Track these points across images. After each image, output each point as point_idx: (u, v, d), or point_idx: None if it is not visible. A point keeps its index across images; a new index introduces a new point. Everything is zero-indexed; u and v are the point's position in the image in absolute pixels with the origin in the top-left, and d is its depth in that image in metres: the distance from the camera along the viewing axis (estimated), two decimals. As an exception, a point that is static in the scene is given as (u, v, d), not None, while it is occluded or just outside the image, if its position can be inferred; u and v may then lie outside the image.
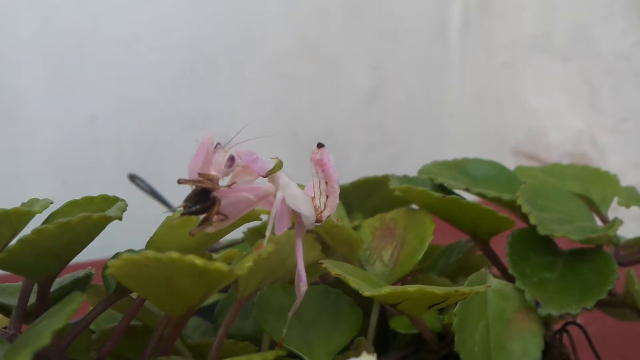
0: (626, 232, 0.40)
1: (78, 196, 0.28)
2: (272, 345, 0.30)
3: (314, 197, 0.26)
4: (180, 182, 0.23)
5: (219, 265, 0.22)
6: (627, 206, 0.38)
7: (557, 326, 0.36)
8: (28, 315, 0.28)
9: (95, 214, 0.24)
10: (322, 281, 0.36)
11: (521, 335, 0.32)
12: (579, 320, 0.36)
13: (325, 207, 0.26)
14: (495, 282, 0.33)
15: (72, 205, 0.28)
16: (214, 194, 0.24)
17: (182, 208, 0.23)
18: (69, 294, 0.24)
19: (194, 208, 0.23)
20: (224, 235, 0.28)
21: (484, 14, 0.93)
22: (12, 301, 0.29)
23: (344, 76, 0.88)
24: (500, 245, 0.37)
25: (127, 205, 0.27)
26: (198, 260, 0.21)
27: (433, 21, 0.93)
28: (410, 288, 0.25)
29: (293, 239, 0.27)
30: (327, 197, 0.26)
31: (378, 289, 0.25)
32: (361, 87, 0.90)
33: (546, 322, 0.34)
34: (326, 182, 0.26)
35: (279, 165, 0.25)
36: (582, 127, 0.81)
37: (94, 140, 0.75)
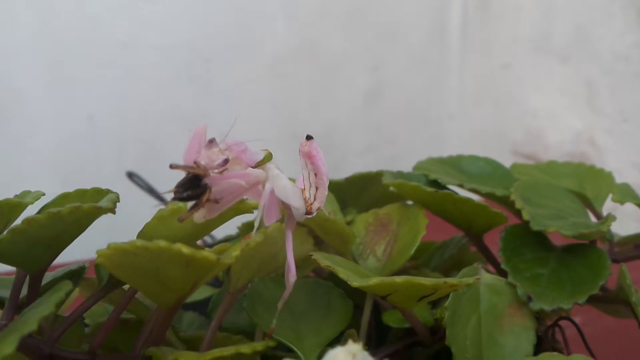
0: (627, 231, 0.40)
1: (77, 195, 0.29)
2: (264, 338, 0.30)
3: (304, 189, 0.26)
4: (172, 167, 0.23)
5: (207, 253, 0.22)
6: (622, 202, 0.38)
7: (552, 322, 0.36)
8: (20, 307, 0.28)
9: (85, 204, 0.24)
10: (316, 276, 0.36)
11: (513, 329, 0.32)
12: (576, 319, 0.36)
13: (315, 199, 0.26)
14: (487, 277, 0.33)
15: (64, 198, 0.28)
16: (205, 180, 0.24)
17: (173, 194, 0.23)
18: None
19: (185, 194, 0.23)
20: (215, 227, 0.28)
21: (483, 15, 0.93)
22: (5, 294, 0.29)
23: (343, 77, 0.88)
24: (495, 242, 0.37)
25: (119, 197, 0.27)
26: (185, 249, 0.21)
27: (432, 22, 0.93)
28: (398, 279, 0.25)
29: (284, 232, 0.27)
30: (316, 189, 0.26)
31: (366, 280, 0.25)
32: (360, 87, 0.90)
33: (539, 317, 0.34)
34: (315, 174, 0.26)
35: (268, 157, 0.25)
36: (581, 128, 0.81)
37: (92, 140, 0.76)
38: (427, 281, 0.25)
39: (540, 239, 0.36)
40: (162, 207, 0.28)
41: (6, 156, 0.73)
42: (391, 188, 0.38)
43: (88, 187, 0.30)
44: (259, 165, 0.25)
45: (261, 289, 0.29)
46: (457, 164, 0.41)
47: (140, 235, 0.27)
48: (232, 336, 0.32)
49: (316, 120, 0.88)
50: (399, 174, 0.37)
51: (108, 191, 0.28)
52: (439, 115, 0.97)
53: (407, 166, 0.40)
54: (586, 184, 0.42)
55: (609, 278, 0.34)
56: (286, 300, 0.27)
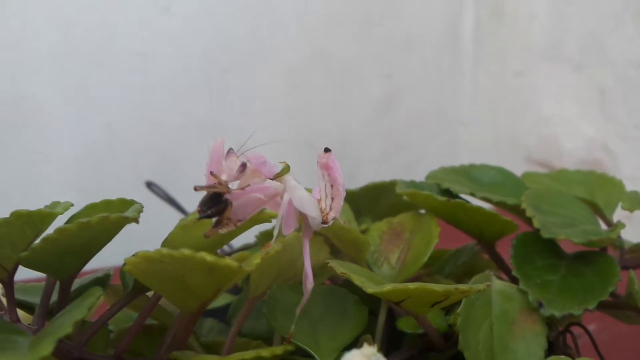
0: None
1: (95, 204, 0.30)
2: (283, 343, 0.31)
3: (320, 199, 0.27)
4: (196, 189, 0.25)
5: (229, 261, 0.23)
6: (631, 210, 0.39)
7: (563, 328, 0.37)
8: (50, 312, 0.29)
9: (113, 214, 0.25)
10: (332, 284, 0.37)
11: (525, 335, 0.33)
12: (592, 326, 0.36)
13: (330, 209, 0.27)
14: (499, 284, 0.34)
15: (91, 208, 0.29)
16: (226, 196, 0.25)
17: (197, 213, 0.25)
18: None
19: (208, 212, 0.25)
20: (236, 235, 0.29)
21: (496, 23, 0.93)
22: (35, 299, 0.30)
23: (357, 85, 0.89)
24: (507, 249, 0.38)
25: (143, 207, 0.28)
26: (209, 257, 0.23)
27: (445, 30, 0.94)
28: (412, 285, 0.26)
29: (301, 240, 0.28)
30: (332, 199, 0.27)
31: (380, 286, 0.26)
32: (374, 95, 0.91)
33: (551, 323, 0.34)
34: (332, 185, 0.27)
35: (286, 169, 0.26)
36: (594, 135, 0.81)
37: (111, 150, 0.77)
38: (438, 287, 0.26)
39: (551, 247, 0.37)
40: (182, 216, 0.29)
41: (26, 165, 0.74)
42: (405, 197, 0.39)
43: (106, 196, 0.31)
44: (277, 177, 0.26)
45: (279, 296, 0.30)
46: (468, 173, 0.42)
47: (165, 243, 0.28)
48: (251, 341, 0.33)
49: (330, 128, 0.89)
50: (412, 184, 0.38)
51: (133, 202, 0.29)
52: (453, 123, 0.98)
53: (421, 173, 0.41)
54: (597, 192, 0.42)
55: (619, 284, 0.34)
56: (304, 307, 0.28)
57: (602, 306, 0.35)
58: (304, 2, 0.84)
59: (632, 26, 0.74)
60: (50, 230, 0.26)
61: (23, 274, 0.31)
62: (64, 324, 0.21)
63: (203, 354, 0.31)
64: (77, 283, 0.30)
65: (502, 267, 0.39)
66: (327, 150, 0.27)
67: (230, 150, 0.26)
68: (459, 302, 0.32)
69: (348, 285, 0.32)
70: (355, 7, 0.87)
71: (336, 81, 0.88)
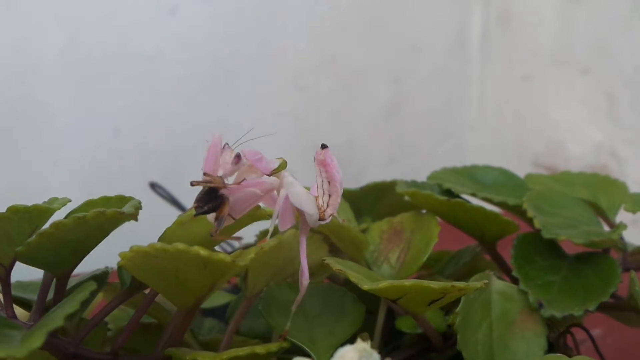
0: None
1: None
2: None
3: (318, 196, 0.27)
4: (192, 184, 0.25)
5: (223, 255, 0.23)
6: (634, 212, 0.39)
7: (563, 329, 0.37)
8: (47, 309, 0.29)
9: (109, 210, 0.25)
10: (331, 283, 0.37)
11: (525, 335, 0.33)
12: (597, 331, 0.36)
13: (328, 205, 0.27)
14: (499, 284, 0.34)
15: (89, 204, 0.30)
16: (222, 191, 0.25)
17: (194, 209, 0.25)
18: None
19: (205, 207, 0.25)
20: (234, 232, 0.29)
21: (504, 28, 0.93)
22: (33, 296, 0.30)
23: (364, 90, 0.89)
24: (508, 250, 0.37)
25: (140, 204, 0.28)
26: (203, 251, 0.23)
27: (453, 35, 0.94)
28: (407, 282, 0.26)
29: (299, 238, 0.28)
30: (329, 196, 0.27)
31: (376, 283, 0.26)
32: (381, 100, 0.91)
33: (551, 324, 0.34)
34: (329, 182, 0.27)
35: (283, 165, 0.26)
36: (602, 139, 0.81)
37: (118, 152, 0.77)
38: (435, 284, 0.26)
39: (552, 247, 0.37)
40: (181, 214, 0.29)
41: (34, 168, 0.75)
42: (406, 197, 0.39)
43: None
44: (274, 173, 0.26)
45: (277, 293, 0.30)
46: (471, 174, 0.42)
47: (161, 239, 0.28)
48: (249, 340, 0.33)
49: (337, 132, 0.89)
50: (413, 183, 0.38)
51: (131, 198, 0.30)
52: (460, 128, 0.98)
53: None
54: (600, 194, 0.42)
55: (621, 286, 0.34)
56: (300, 304, 0.28)
57: (604, 308, 0.35)
58: (312, 7, 0.84)
59: (640, 30, 0.74)
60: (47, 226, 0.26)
61: (23, 274, 0.31)
62: (55, 318, 0.22)
63: (200, 351, 0.31)
64: (74, 281, 0.30)
65: (503, 268, 0.39)
66: (324, 146, 0.27)
67: (226, 145, 0.26)
68: (458, 302, 0.32)
69: (347, 284, 0.32)
70: (363, 12, 0.87)
71: (344, 86, 0.88)
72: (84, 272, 0.31)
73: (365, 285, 0.26)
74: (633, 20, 0.74)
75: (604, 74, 0.79)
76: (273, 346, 0.26)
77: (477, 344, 0.32)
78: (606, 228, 0.40)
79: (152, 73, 0.77)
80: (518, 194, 0.40)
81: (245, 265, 0.24)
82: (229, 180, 0.25)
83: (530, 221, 0.37)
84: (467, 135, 0.98)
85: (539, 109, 0.90)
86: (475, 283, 0.27)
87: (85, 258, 0.29)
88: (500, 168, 0.43)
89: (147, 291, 0.30)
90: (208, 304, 0.38)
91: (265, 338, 0.33)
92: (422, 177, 0.41)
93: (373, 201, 0.41)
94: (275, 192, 0.26)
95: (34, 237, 0.25)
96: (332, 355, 0.26)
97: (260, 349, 0.26)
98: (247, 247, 0.41)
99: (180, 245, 0.23)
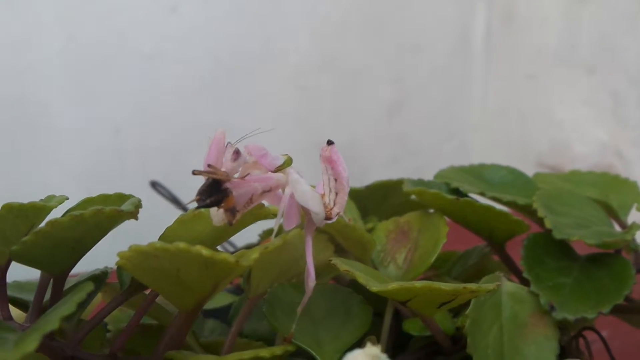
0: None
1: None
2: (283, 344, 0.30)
3: (324, 194, 0.26)
4: (194, 173, 0.24)
5: (226, 255, 0.22)
6: (645, 212, 0.38)
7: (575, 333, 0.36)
8: (44, 310, 0.28)
9: (108, 207, 0.25)
10: (337, 284, 0.36)
11: (536, 339, 0.32)
12: (603, 334, 0.35)
13: (334, 204, 0.26)
14: (509, 285, 0.33)
15: (88, 202, 0.29)
16: (226, 185, 0.24)
17: (196, 202, 0.24)
18: (81, 286, 0.25)
19: (208, 200, 0.24)
20: (235, 232, 0.28)
21: (508, 26, 0.92)
22: (30, 297, 0.29)
23: (366, 89, 0.89)
24: (517, 251, 0.37)
25: (140, 202, 0.27)
26: (205, 251, 0.22)
27: (456, 33, 0.93)
28: (418, 284, 0.25)
29: (304, 237, 0.27)
30: (336, 194, 0.26)
31: (385, 285, 0.25)
32: (383, 99, 0.90)
33: (563, 327, 0.33)
34: (335, 179, 0.26)
35: (288, 162, 0.25)
36: (606, 139, 0.80)
37: (118, 151, 0.77)
38: (446, 286, 0.25)
39: (563, 248, 0.36)
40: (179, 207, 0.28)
41: (33, 168, 0.74)
42: (412, 196, 0.38)
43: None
44: (279, 169, 0.25)
45: (281, 294, 0.29)
46: (479, 173, 0.41)
47: (161, 238, 0.27)
48: (252, 342, 0.32)
49: (339, 132, 0.88)
50: (420, 182, 0.37)
51: (130, 196, 0.29)
52: (463, 127, 0.97)
53: (431, 177, 0.40)
54: (610, 193, 0.41)
55: (633, 288, 0.33)
56: (306, 306, 0.27)
57: (616, 310, 0.34)
58: (313, 6, 0.83)
59: (646, 29, 0.73)
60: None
61: (23, 274, 0.30)
62: (51, 320, 0.21)
63: (201, 353, 0.30)
64: (72, 282, 0.30)
65: (512, 269, 0.38)
66: (330, 142, 0.26)
67: (230, 143, 0.25)
68: (467, 304, 0.31)
69: (353, 285, 0.32)
70: (365, 11, 0.86)
71: (345, 84, 0.87)
72: (83, 271, 0.30)
73: (374, 287, 0.25)
74: (638, 20, 0.74)
75: (609, 74, 0.78)
76: (278, 349, 0.25)
77: (487, 347, 0.31)
78: (617, 228, 0.39)
79: (153, 72, 0.77)
80: (527, 194, 0.39)
81: (249, 266, 0.23)
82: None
83: (539, 221, 0.36)
84: (471, 135, 0.97)
85: (543, 109, 0.89)
86: (487, 285, 0.27)
87: (86, 258, 0.28)
88: (508, 167, 0.42)
89: (147, 292, 0.29)
90: (210, 304, 0.37)
91: (269, 340, 0.32)
92: (425, 176, 0.40)
93: (379, 200, 0.40)
94: (280, 190, 0.25)
95: (29, 235, 0.24)
96: (339, 359, 0.26)
97: (265, 352, 0.25)
98: (250, 246, 0.40)
99: (182, 245, 0.22)
